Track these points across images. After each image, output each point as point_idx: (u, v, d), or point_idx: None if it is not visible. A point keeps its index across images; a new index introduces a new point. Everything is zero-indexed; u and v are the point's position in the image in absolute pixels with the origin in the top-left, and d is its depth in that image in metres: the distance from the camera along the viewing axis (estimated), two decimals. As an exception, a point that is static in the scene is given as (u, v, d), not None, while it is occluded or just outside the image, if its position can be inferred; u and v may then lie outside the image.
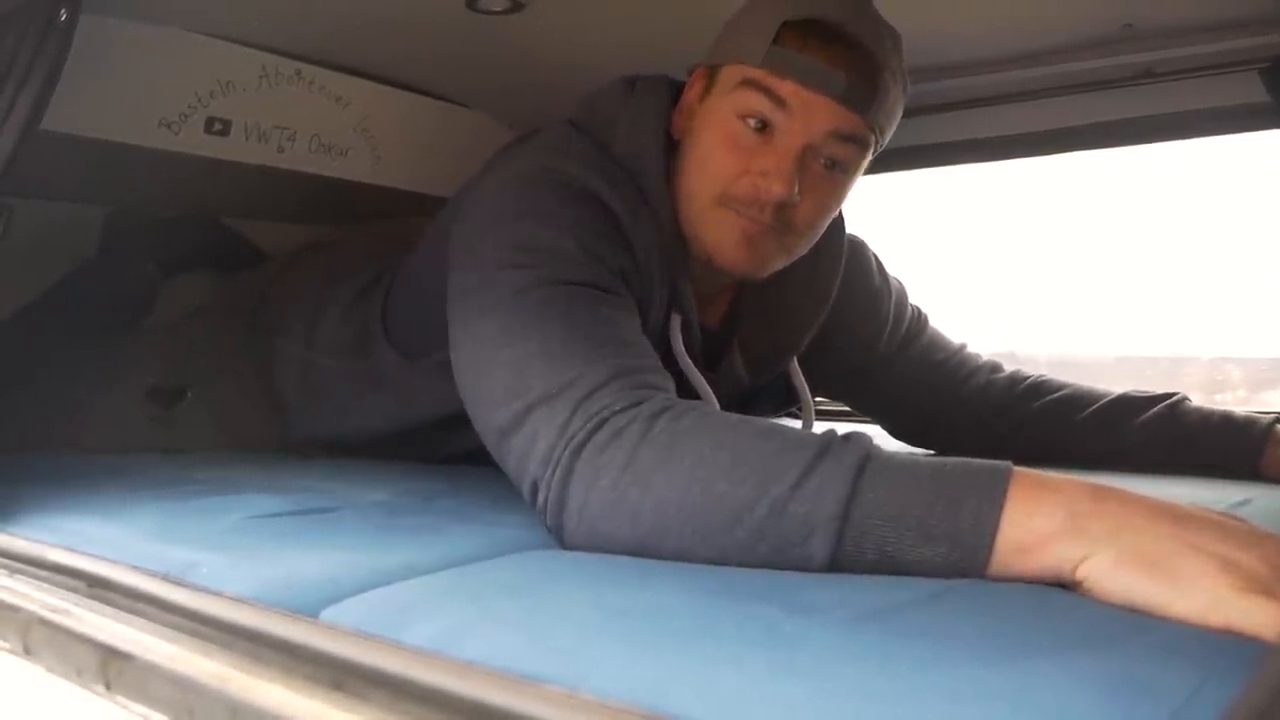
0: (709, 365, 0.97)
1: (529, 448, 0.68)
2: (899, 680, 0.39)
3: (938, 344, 1.18)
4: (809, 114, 0.82)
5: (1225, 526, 0.50)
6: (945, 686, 0.38)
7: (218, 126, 1.22)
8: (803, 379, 1.06)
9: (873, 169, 1.62)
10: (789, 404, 1.14)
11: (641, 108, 0.91)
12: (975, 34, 1.26)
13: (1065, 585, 0.52)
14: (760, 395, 1.07)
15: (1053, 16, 1.19)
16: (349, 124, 1.36)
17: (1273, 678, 0.35)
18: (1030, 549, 0.52)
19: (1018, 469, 0.55)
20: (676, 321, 0.91)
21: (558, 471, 0.65)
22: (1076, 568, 0.50)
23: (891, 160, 1.60)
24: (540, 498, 0.67)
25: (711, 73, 0.89)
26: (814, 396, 1.09)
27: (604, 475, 0.63)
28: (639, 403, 0.65)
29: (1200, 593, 0.46)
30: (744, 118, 0.84)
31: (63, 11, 0.84)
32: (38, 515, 0.76)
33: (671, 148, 0.91)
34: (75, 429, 1.17)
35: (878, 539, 0.55)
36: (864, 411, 1.28)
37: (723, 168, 0.85)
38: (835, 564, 0.56)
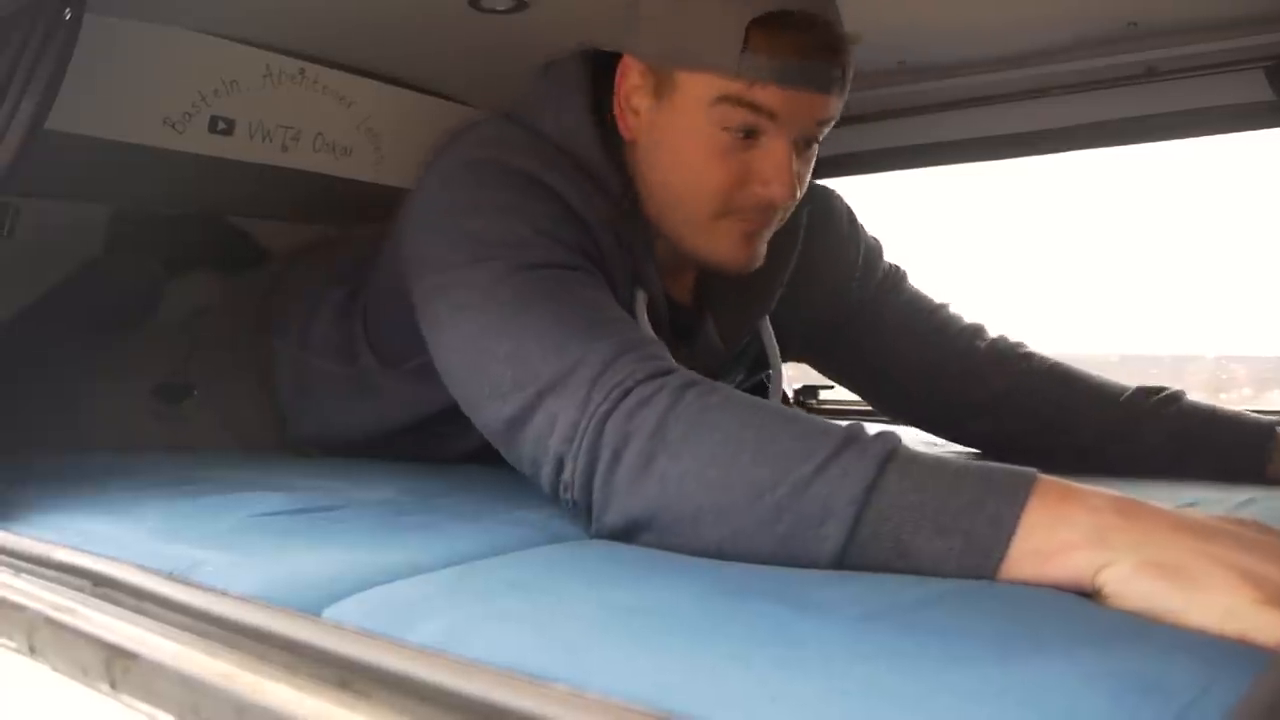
0: (685, 340, 0.96)
1: (548, 429, 0.67)
2: (908, 679, 0.38)
3: (917, 301, 1.13)
4: (794, 113, 0.81)
5: (1248, 539, 0.50)
6: (955, 685, 0.38)
7: (222, 125, 1.22)
8: (773, 338, 1.04)
9: (875, 169, 1.64)
10: (761, 368, 1.11)
11: (559, 88, 0.90)
12: (979, 33, 1.26)
13: (1084, 592, 0.51)
14: (732, 362, 1.07)
15: (1056, 15, 1.18)
16: (353, 123, 1.36)
17: (1279, 679, 0.35)
18: (1049, 555, 0.51)
19: (1044, 477, 0.54)
20: (641, 298, 0.90)
21: (585, 441, 0.64)
22: (1097, 574, 0.50)
23: (895, 159, 1.61)
24: (567, 471, 0.66)
25: (661, 75, 0.84)
26: (795, 361, 1.06)
27: (634, 440, 0.63)
28: (662, 373, 0.65)
29: (1217, 602, 0.46)
30: (727, 129, 0.82)
31: (67, 11, 0.84)
32: (43, 514, 0.76)
33: (607, 123, 0.88)
34: (80, 427, 1.17)
35: (894, 526, 0.55)
36: (846, 379, 1.21)
37: (717, 181, 0.84)
38: (847, 551, 0.55)
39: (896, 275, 1.15)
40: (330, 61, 1.31)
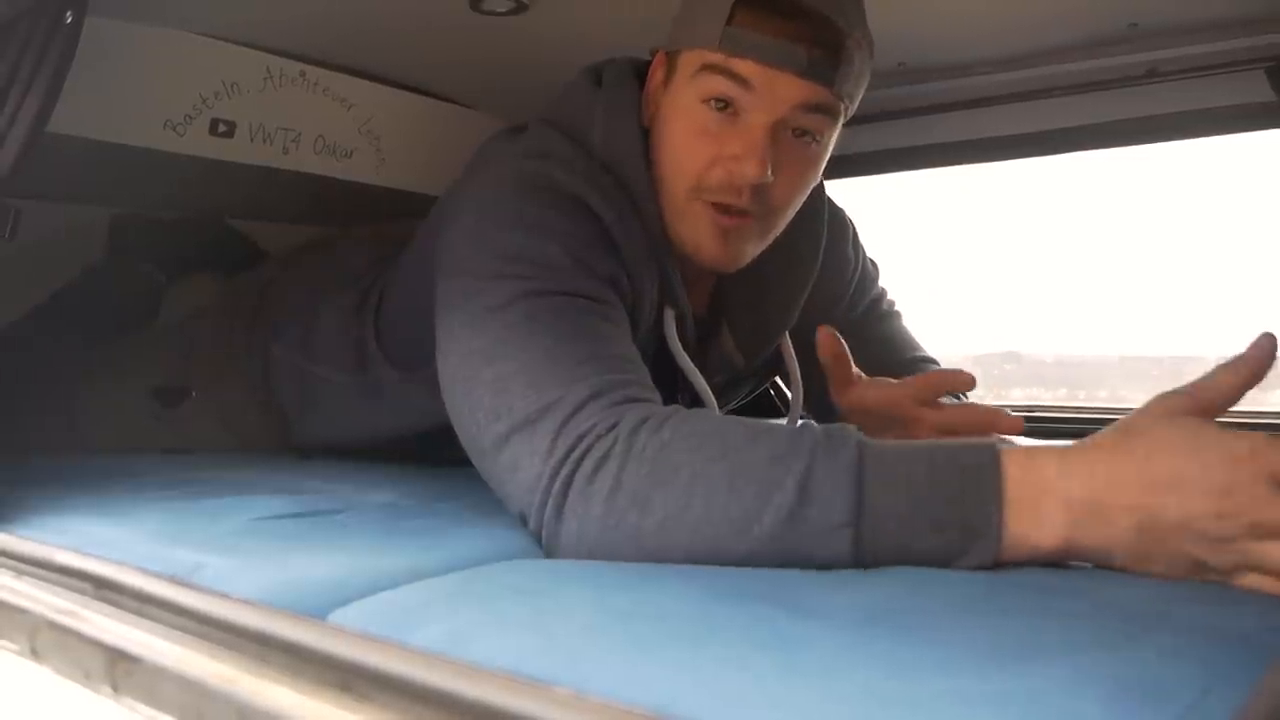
0: (698, 353, 0.96)
1: (510, 475, 0.68)
2: (906, 682, 0.39)
3: (892, 340, 1.12)
4: (773, 91, 0.81)
5: (1203, 484, 0.53)
6: (953, 689, 0.38)
7: (223, 128, 1.22)
8: (793, 353, 1.04)
9: (875, 170, 1.64)
10: (772, 373, 1.12)
11: (613, 102, 0.89)
12: (980, 34, 1.26)
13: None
14: (747, 374, 1.06)
15: (1057, 16, 1.19)
16: (354, 125, 1.36)
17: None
18: (1036, 542, 0.57)
19: (1001, 449, 0.58)
20: (670, 315, 0.90)
21: (548, 505, 0.64)
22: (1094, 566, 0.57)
23: (895, 161, 1.61)
24: (531, 525, 0.67)
25: (670, 59, 0.87)
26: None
27: (594, 504, 0.62)
28: (617, 422, 0.65)
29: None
30: (706, 101, 0.82)
31: (68, 14, 0.84)
32: (44, 516, 0.76)
33: (647, 136, 0.89)
34: (80, 430, 1.17)
35: (893, 534, 0.57)
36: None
37: (693, 158, 0.84)
38: (859, 561, 0.58)
39: (881, 307, 1.14)
40: (331, 64, 1.31)
